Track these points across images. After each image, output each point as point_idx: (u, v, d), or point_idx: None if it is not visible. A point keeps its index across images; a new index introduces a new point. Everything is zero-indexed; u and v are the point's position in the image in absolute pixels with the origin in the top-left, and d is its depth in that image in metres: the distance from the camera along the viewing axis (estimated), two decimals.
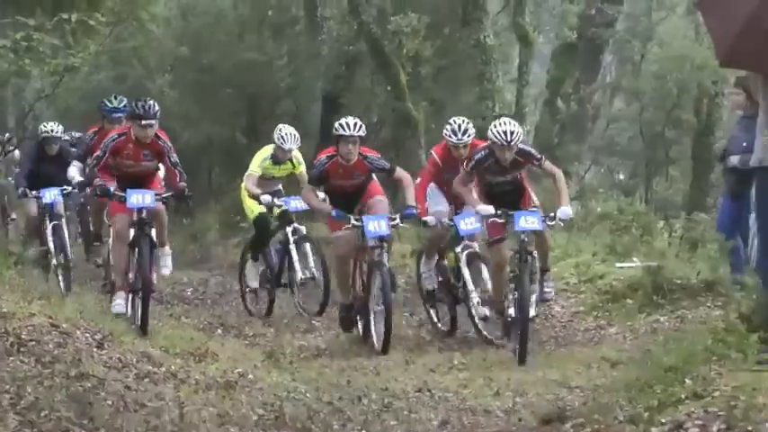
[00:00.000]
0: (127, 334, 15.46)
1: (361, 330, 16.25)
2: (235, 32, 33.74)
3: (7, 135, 25.02)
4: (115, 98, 17.79)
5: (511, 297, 14.30)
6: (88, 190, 17.12)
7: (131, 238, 14.56)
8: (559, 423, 10.43)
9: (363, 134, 15.42)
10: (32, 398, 11.53)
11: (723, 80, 24.86)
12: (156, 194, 14.26)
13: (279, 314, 19.05)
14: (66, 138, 21.42)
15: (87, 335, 14.68)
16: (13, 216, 24.52)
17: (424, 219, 16.16)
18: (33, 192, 18.83)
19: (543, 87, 29.57)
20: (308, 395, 13.41)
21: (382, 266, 15.16)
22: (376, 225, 14.97)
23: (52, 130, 18.33)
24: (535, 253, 14.68)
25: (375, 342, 15.44)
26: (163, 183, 15.90)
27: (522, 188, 15.11)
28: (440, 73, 29.68)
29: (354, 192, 15.65)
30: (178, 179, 14.73)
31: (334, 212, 15.28)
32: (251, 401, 12.38)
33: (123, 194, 13.93)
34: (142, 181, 14.98)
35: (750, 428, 8.05)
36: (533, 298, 14.51)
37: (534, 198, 15.37)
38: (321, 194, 16.49)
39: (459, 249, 16.46)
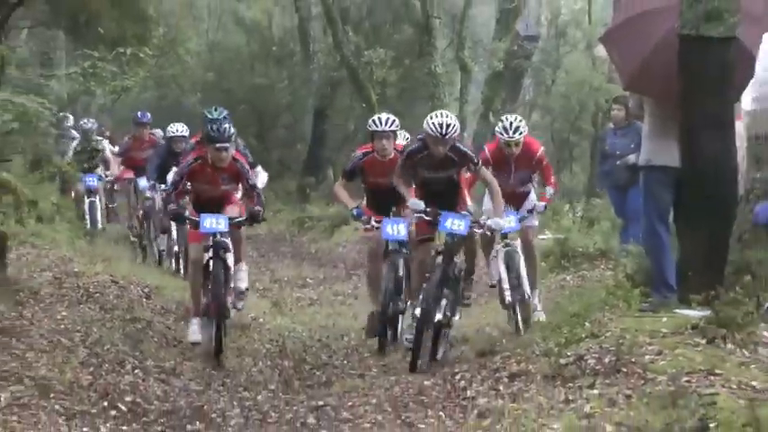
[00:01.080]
0: (167, 288, 15.45)
1: (389, 338, 12.16)
2: (248, 63, 33.61)
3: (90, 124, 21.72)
4: (215, 110, 14.41)
5: (442, 302, 10.86)
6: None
7: (205, 261, 11.58)
8: (491, 355, 10.52)
9: (397, 128, 12.15)
10: (97, 335, 11.79)
11: (612, 99, 24.99)
12: (230, 218, 11.12)
13: (281, 275, 18.94)
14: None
15: (138, 288, 14.90)
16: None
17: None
18: (162, 186, 16.15)
19: (479, 104, 29.42)
20: (303, 334, 13.70)
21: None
22: (394, 228, 11.44)
23: (178, 130, 16.84)
24: (458, 258, 11.20)
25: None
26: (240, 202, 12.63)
27: (457, 191, 11.51)
28: (401, 93, 29.86)
29: (392, 191, 11.44)
30: (255, 202, 11.48)
31: (354, 211, 12.00)
32: (261, 338, 12.51)
33: (197, 219, 11.06)
34: (220, 204, 11.72)
35: (633, 360, 8.20)
36: (443, 303, 10.86)
37: (468, 203, 12.03)
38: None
39: None
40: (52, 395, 9.28)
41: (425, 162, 10.91)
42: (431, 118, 10.73)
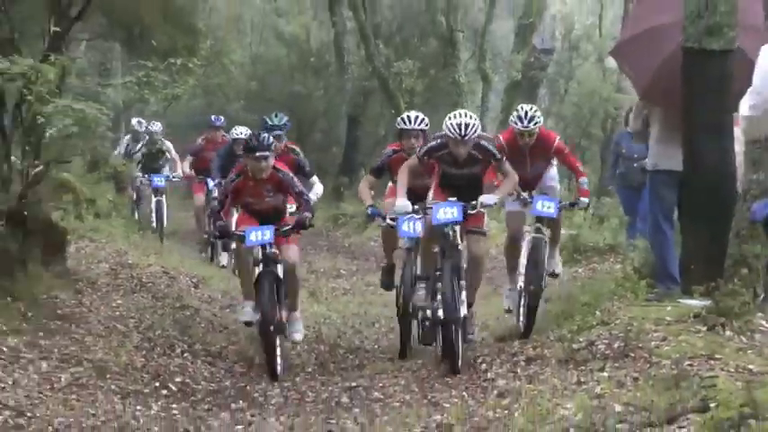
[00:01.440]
0: (213, 279, 15.54)
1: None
2: (287, 73, 33.58)
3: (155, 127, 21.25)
4: (276, 116, 13.80)
5: (438, 298, 9.38)
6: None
7: (256, 275, 10.12)
8: (509, 341, 10.56)
9: (426, 127, 10.68)
10: (149, 321, 12.00)
11: (620, 107, 24.99)
12: (276, 229, 9.58)
13: (317, 267, 18.92)
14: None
15: (187, 278, 15.06)
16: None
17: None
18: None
19: (499, 112, 29.39)
20: (337, 321, 13.65)
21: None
22: (410, 226, 9.97)
23: (241, 133, 15.44)
24: (461, 247, 9.84)
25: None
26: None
27: (480, 184, 10.00)
28: (427, 101, 29.70)
29: (420, 191, 10.13)
30: (303, 209, 10.01)
31: (369, 210, 10.71)
32: None
33: (242, 233, 9.56)
34: (275, 217, 10.24)
35: (640, 345, 8.30)
36: (463, 295, 9.67)
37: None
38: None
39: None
40: (108, 376, 9.45)
41: (447, 159, 9.49)
42: (449, 118, 9.25)
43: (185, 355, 11.21)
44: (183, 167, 19.39)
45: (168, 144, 20.41)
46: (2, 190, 11.76)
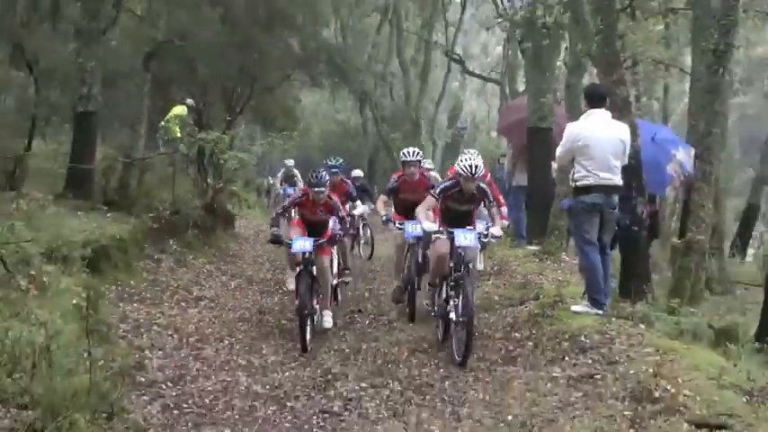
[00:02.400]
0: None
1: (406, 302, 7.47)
2: (339, 137, 30.75)
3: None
4: (333, 158, 10.39)
5: (452, 303, 6.05)
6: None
7: (297, 272, 7.41)
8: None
9: (421, 158, 7.88)
10: (274, 257, 11.27)
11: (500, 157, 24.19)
12: (315, 241, 6.99)
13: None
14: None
15: None
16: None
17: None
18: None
19: (440, 162, 29.09)
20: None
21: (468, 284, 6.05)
22: (413, 228, 7.12)
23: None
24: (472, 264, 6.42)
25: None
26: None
27: (471, 215, 6.80)
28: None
29: (414, 203, 7.02)
30: (338, 228, 7.54)
31: (383, 217, 7.79)
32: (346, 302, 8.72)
33: (290, 242, 7.05)
34: (321, 227, 7.70)
35: (507, 267, 8.10)
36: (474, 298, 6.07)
37: (478, 225, 6.77)
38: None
39: None
40: (254, 284, 9.31)
41: (455, 197, 6.50)
42: (461, 161, 6.40)
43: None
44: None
45: (296, 171, 16.37)
46: (203, 196, 11.57)
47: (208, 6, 12.01)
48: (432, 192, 6.68)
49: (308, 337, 6.48)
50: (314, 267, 6.91)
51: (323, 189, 7.21)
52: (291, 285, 7.70)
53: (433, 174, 9.61)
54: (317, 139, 29.48)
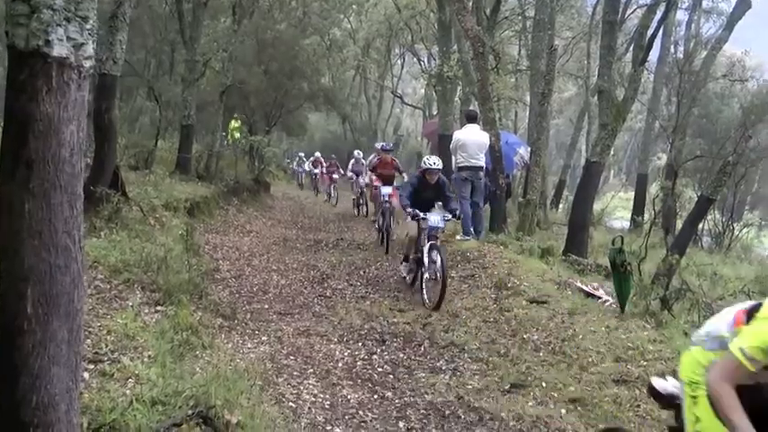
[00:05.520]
0: (338, 206, 13.28)
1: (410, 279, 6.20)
2: (332, 139, 28.41)
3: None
4: (387, 143, 11.08)
5: (428, 263, 5.43)
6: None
7: (381, 210, 8.11)
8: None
9: (441, 167, 6.11)
10: (299, 209, 12.10)
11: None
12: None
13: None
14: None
15: (321, 205, 13.63)
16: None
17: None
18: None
19: None
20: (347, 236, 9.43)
21: (442, 249, 5.53)
22: (436, 220, 5.71)
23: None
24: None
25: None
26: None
27: (434, 204, 6.07)
28: None
29: (430, 200, 5.99)
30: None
31: (407, 208, 5.99)
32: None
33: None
34: (390, 178, 8.85)
35: (459, 250, 6.57)
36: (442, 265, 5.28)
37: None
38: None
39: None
40: (281, 223, 9.83)
41: (422, 186, 5.97)
42: (426, 159, 6.21)
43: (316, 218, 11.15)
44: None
45: (358, 155, 12.68)
46: (252, 172, 12.70)
47: (256, 65, 14.32)
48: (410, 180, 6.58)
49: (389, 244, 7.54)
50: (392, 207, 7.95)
51: (391, 153, 9.14)
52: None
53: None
54: (317, 141, 29.36)
